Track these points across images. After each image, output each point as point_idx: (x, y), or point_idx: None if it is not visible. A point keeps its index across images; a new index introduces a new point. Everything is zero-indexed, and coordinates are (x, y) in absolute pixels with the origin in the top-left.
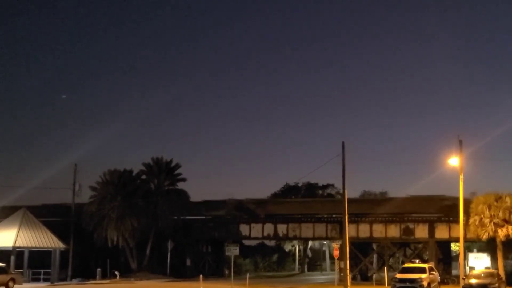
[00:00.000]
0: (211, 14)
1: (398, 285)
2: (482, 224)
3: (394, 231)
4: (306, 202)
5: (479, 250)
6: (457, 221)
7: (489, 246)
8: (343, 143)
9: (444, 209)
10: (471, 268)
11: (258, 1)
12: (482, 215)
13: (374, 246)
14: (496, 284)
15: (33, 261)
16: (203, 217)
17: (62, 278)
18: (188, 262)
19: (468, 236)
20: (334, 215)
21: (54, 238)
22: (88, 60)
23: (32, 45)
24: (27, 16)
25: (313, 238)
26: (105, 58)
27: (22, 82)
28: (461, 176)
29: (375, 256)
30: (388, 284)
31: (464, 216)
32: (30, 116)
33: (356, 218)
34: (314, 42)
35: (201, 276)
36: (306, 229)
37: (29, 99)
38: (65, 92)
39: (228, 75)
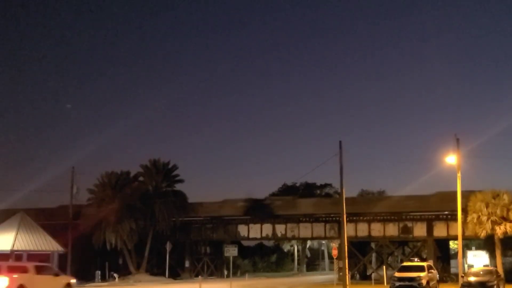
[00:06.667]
0: (211, 15)
1: (397, 283)
2: (480, 222)
3: (392, 229)
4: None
5: (477, 248)
6: (454, 219)
7: (487, 244)
8: (340, 142)
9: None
10: (470, 266)
11: (257, 2)
12: (480, 213)
13: (373, 245)
14: (495, 282)
15: None
16: (201, 218)
17: None
18: (187, 263)
19: (466, 234)
20: (332, 215)
21: (53, 241)
22: (87, 63)
23: (31, 46)
24: (25, 17)
25: (312, 238)
26: (103, 61)
27: (21, 84)
28: (459, 174)
29: (373, 255)
30: (387, 283)
31: (462, 214)
32: (28, 119)
33: (354, 218)
34: (311, 42)
35: (200, 277)
36: (305, 229)
37: (27, 102)
38: (67, 99)
39: (226, 76)
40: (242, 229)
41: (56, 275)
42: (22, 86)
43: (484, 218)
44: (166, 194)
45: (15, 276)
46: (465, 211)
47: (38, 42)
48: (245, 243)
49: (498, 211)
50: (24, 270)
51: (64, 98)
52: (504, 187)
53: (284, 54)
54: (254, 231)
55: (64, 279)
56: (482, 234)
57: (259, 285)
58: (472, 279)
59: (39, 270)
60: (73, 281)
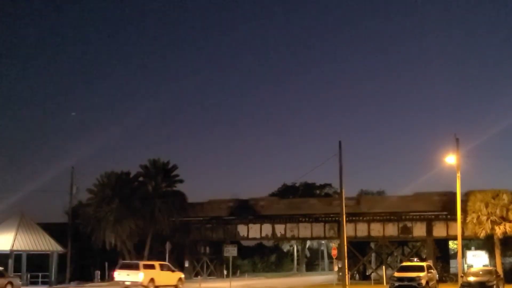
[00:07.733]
0: (210, 15)
1: (396, 283)
2: (479, 222)
3: (392, 230)
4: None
5: (477, 248)
6: (454, 219)
7: (487, 244)
8: (340, 142)
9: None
10: (469, 266)
11: (256, 1)
12: (479, 213)
13: (372, 245)
14: (494, 282)
15: (31, 264)
16: (201, 218)
17: (60, 281)
18: (186, 263)
19: (466, 234)
20: (331, 215)
21: (52, 241)
22: (86, 64)
23: (31, 47)
24: (27, 19)
25: (311, 238)
26: (102, 62)
27: (21, 84)
28: (458, 174)
29: (373, 255)
30: (387, 283)
31: (461, 214)
32: (27, 119)
33: (353, 218)
34: (311, 42)
35: (199, 277)
36: (304, 229)
37: (27, 102)
38: (67, 99)
39: (225, 76)
40: (242, 229)
41: (173, 271)
42: (23, 86)
43: (483, 218)
44: (165, 194)
45: (148, 271)
46: (464, 211)
47: (39, 43)
48: (244, 243)
49: (498, 211)
50: (152, 267)
51: (64, 98)
52: (504, 187)
53: (284, 54)
54: (253, 231)
55: (178, 274)
56: (482, 234)
57: (258, 285)
58: (471, 279)
59: (162, 267)
60: (183, 276)
